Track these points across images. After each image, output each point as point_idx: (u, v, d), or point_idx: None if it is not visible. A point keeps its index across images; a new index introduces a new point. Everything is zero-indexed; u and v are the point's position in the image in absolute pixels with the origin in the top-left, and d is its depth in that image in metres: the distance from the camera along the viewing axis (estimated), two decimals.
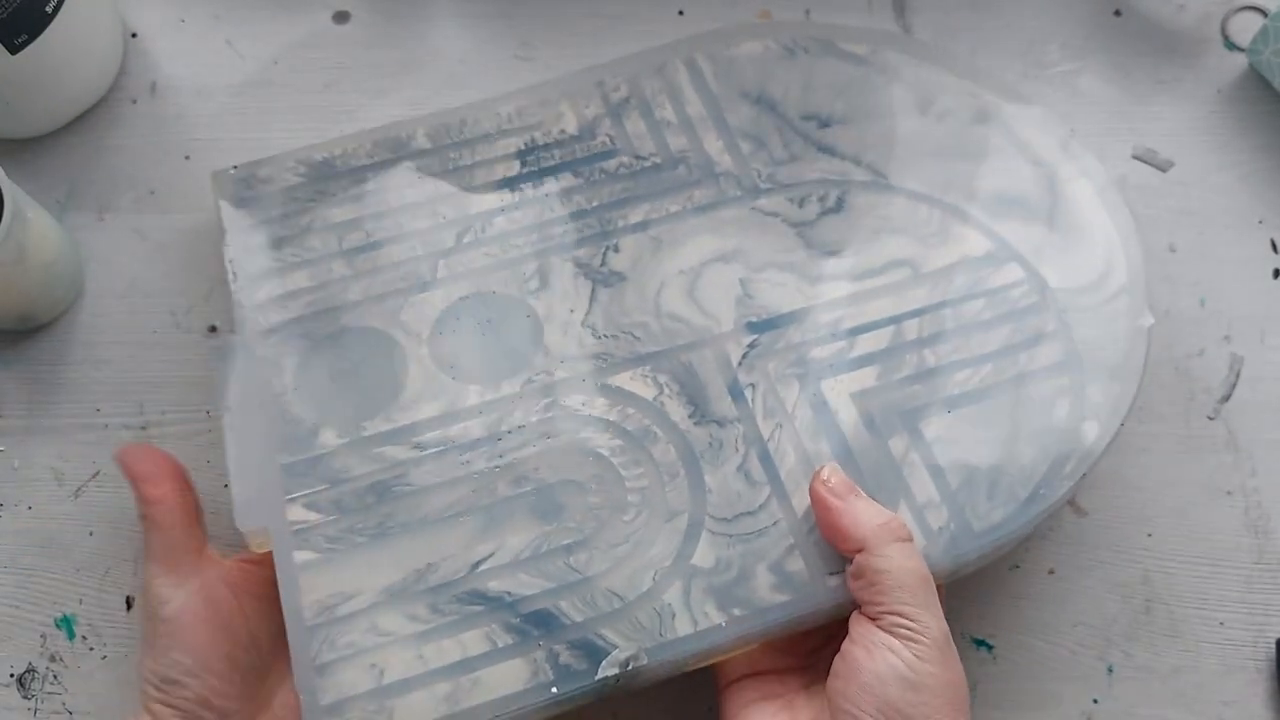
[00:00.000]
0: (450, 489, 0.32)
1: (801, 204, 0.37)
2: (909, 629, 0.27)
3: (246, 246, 0.36)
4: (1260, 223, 0.41)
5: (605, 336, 0.34)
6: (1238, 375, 0.39)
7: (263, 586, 0.31)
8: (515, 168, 0.38)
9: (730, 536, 0.31)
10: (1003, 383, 0.33)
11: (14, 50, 0.37)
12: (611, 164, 0.38)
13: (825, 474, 0.30)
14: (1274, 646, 0.36)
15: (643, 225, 0.37)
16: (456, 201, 0.37)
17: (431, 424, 0.33)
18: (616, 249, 0.36)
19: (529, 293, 0.35)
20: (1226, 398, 0.39)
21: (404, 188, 0.38)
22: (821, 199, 0.37)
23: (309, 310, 0.35)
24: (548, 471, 0.32)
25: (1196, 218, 0.41)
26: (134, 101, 0.42)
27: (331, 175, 0.38)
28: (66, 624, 0.36)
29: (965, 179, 0.37)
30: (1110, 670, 0.36)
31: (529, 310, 0.35)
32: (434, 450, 0.32)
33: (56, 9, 0.37)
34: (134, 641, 0.35)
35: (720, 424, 0.33)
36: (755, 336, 0.34)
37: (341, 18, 0.44)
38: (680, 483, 0.32)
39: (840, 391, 0.33)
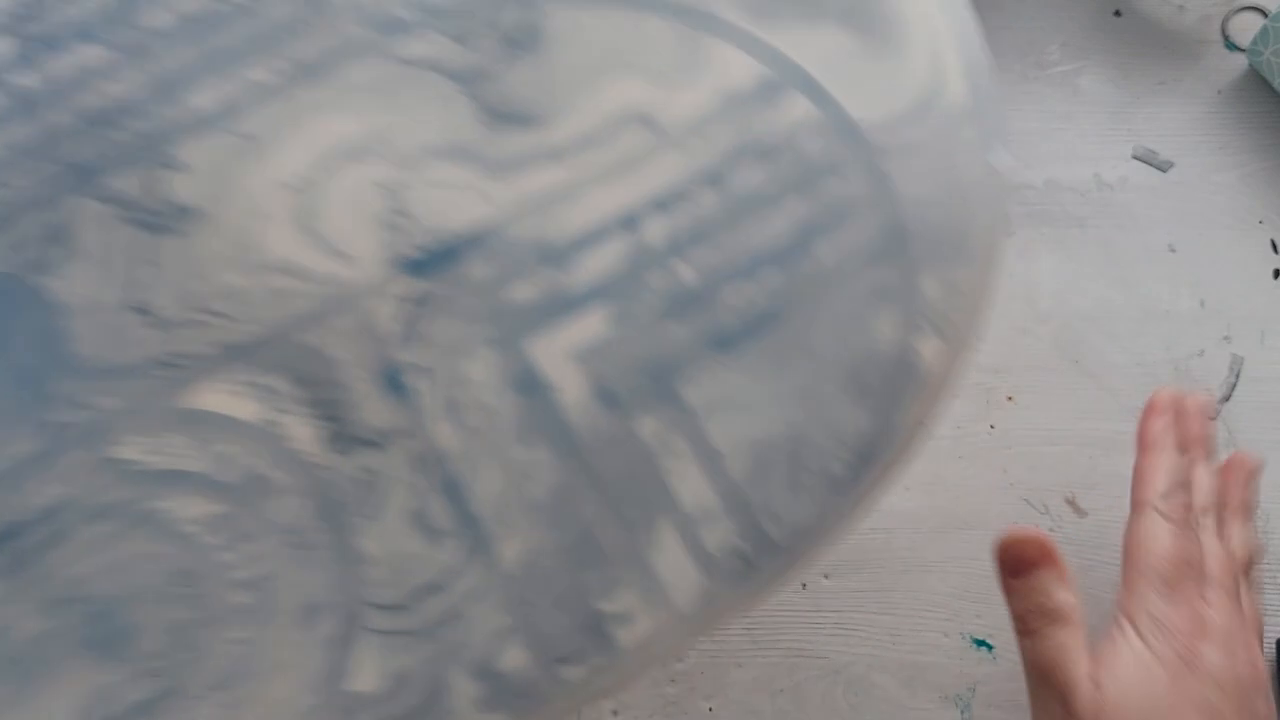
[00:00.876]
0: None
1: (465, 40, 0.23)
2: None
3: None
4: (1260, 223, 0.41)
5: (174, 323, 0.21)
6: (1238, 376, 0.39)
7: None
8: None
9: (407, 634, 0.20)
10: (798, 294, 0.22)
11: None
12: (154, 14, 0.23)
13: None
14: (1274, 647, 0.36)
15: (216, 116, 0.22)
16: None
17: None
18: (176, 165, 0.22)
19: (34, 264, 0.21)
20: (1227, 398, 0.39)
21: None
22: (493, 25, 0.23)
23: None
24: (103, 579, 0.20)
25: (1196, 218, 0.41)
26: None
27: None
28: None
29: None
30: None
31: (40, 296, 0.21)
32: None
33: None
34: None
35: (375, 444, 0.21)
36: (419, 283, 0.22)
37: None
38: (318, 557, 0.20)
39: (557, 354, 0.21)
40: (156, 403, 0.21)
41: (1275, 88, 0.42)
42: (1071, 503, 0.38)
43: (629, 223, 0.22)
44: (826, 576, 0.37)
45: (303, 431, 0.21)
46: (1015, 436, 0.39)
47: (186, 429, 0.21)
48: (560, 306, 0.22)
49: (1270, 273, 0.41)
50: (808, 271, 0.22)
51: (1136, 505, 0.32)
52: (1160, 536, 0.31)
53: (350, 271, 0.22)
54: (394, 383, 0.21)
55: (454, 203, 0.22)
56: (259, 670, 0.19)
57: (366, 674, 0.20)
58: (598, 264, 0.22)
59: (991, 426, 0.39)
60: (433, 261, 0.22)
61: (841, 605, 0.37)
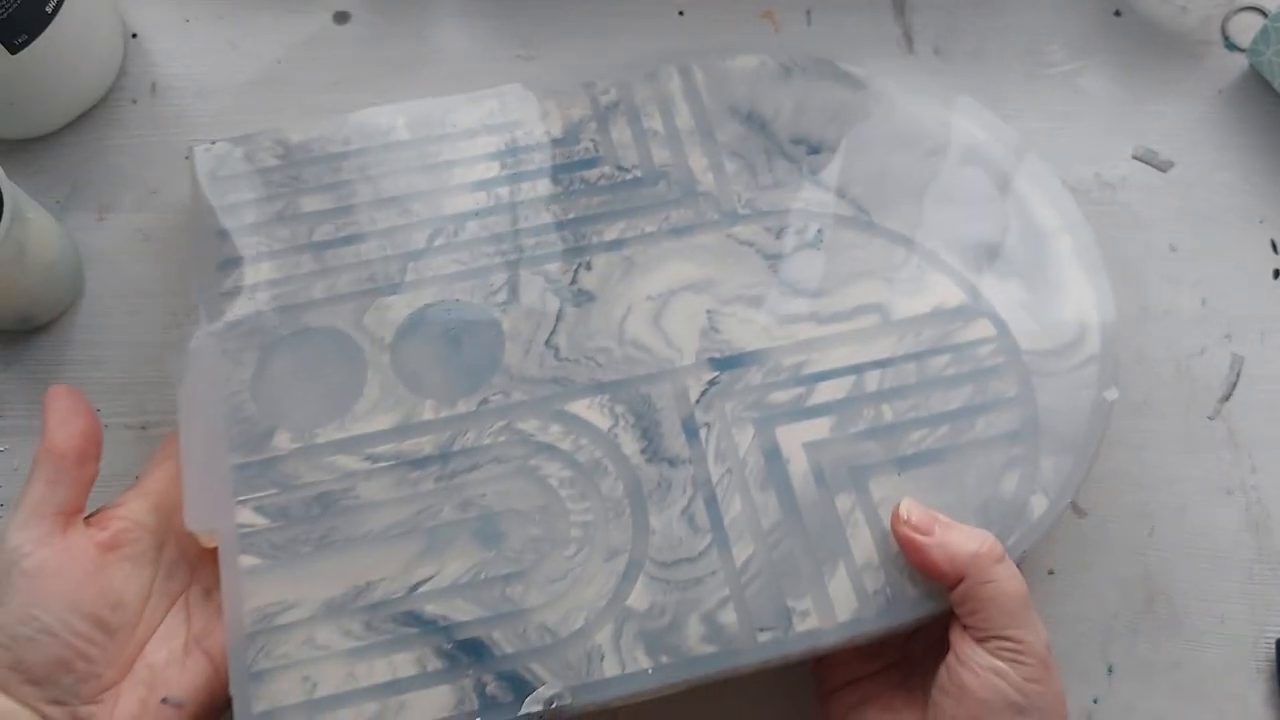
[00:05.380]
0: (396, 508, 0.33)
1: (779, 235, 0.36)
2: (1014, 650, 0.28)
3: (216, 230, 0.36)
4: (1261, 222, 0.41)
5: (567, 360, 0.35)
6: (1238, 374, 0.39)
7: (138, 549, 0.31)
8: (494, 169, 0.36)
9: (667, 582, 0.32)
10: (957, 446, 0.34)
11: (14, 50, 0.37)
12: (593, 173, 0.36)
13: (904, 511, 0.31)
14: (1274, 646, 0.36)
15: (618, 244, 0.36)
16: (430, 201, 0.36)
17: (385, 437, 0.33)
18: (589, 267, 0.35)
19: (495, 305, 0.35)
20: (1227, 397, 0.39)
21: (378, 180, 0.36)
22: (800, 232, 0.36)
23: (272, 305, 0.35)
24: (494, 498, 0.33)
25: (1197, 217, 0.41)
26: (134, 101, 0.42)
27: (307, 160, 0.36)
28: None
29: (949, 223, 0.36)
30: (1110, 669, 0.36)
31: (494, 324, 0.35)
32: (384, 464, 0.33)
33: (56, 9, 0.37)
34: None
35: (671, 463, 0.34)
36: (716, 374, 0.35)
37: (342, 18, 0.44)
38: (624, 521, 0.33)
39: (794, 440, 0.34)
40: (549, 404, 0.34)
41: (1276, 88, 0.41)
42: (1072, 502, 0.36)
43: (855, 371, 0.35)
44: None
45: (630, 442, 0.34)
46: None
47: (563, 423, 0.34)
48: (801, 412, 0.34)
49: (1270, 272, 0.40)
50: (968, 434, 0.34)
51: (974, 568, 0.30)
52: (1013, 573, 0.30)
53: (677, 356, 0.35)
54: (689, 429, 0.34)
55: (747, 332, 0.35)
56: (577, 578, 0.32)
57: (638, 598, 0.32)
58: (830, 392, 0.34)
59: None
60: (728, 363, 0.35)
61: None
